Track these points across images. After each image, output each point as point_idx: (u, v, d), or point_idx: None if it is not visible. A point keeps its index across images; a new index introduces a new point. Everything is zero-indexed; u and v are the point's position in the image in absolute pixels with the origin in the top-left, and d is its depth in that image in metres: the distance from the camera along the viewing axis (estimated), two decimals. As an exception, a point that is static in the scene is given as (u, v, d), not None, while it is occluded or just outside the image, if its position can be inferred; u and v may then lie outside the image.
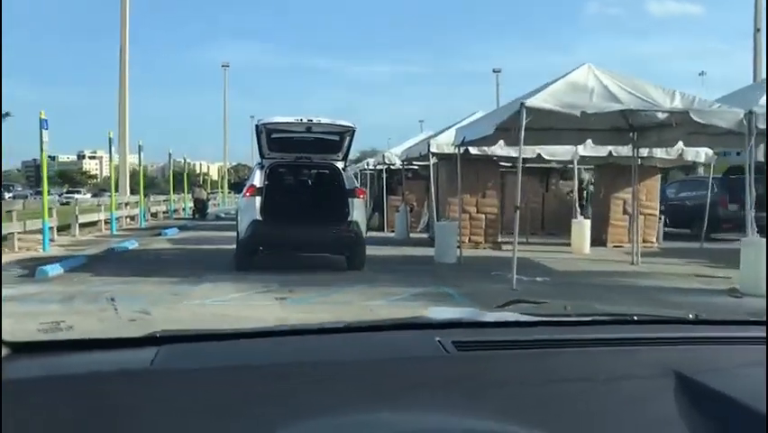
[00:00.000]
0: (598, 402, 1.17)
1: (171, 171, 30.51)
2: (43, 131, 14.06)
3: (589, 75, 10.18)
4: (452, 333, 1.40)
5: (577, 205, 15.90)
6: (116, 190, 23.82)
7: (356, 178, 27.19)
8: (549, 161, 16.31)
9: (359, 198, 11.09)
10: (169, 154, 28.41)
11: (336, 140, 11.30)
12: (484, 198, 15.63)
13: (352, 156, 13.73)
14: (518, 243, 16.93)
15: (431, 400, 1.12)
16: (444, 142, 14.92)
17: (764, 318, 1.68)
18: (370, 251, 14.45)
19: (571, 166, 22.16)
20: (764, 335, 1.45)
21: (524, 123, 9.12)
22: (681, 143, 13.29)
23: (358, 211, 10.89)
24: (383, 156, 21.94)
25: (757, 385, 1.15)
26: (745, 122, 9.25)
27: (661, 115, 9.42)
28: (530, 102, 9.17)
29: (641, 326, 1.63)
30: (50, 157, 19.71)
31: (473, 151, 14.83)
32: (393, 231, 21.22)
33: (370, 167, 26.79)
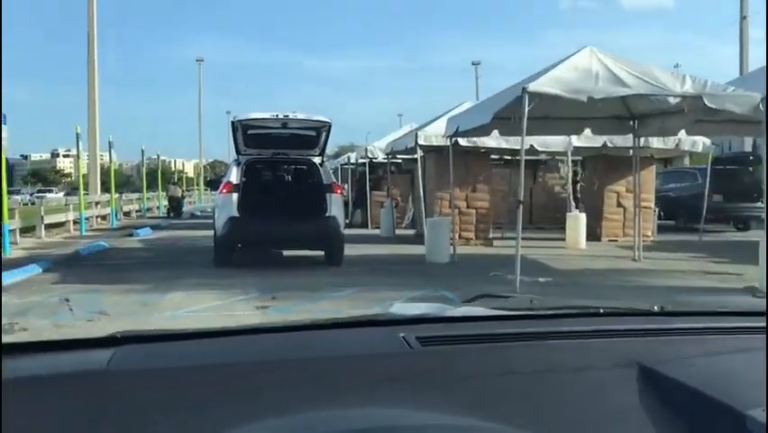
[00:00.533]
0: (562, 394, 1.17)
1: (144, 168, 29.37)
2: (3, 126, 13.50)
3: (592, 58, 9.44)
4: (417, 329, 1.39)
5: (572, 198, 15.12)
6: (86, 189, 22.77)
7: (336, 173, 26.53)
8: (540, 153, 15.51)
9: (336, 193, 11.02)
10: (142, 150, 27.36)
11: (313, 135, 11.23)
12: (474, 192, 14.87)
13: (329, 151, 14.21)
14: (509, 238, 16.37)
15: (395, 395, 1.12)
16: (433, 134, 14.13)
17: (729, 310, 1.76)
18: (356, 250, 13.74)
19: (560, 158, 21.64)
20: (733, 325, 1.51)
21: (526, 110, 8.35)
22: (682, 132, 12.64)
23: (336, 206, 10.83)
24: (365, 150, 21.10)
25: (719, 375, 1.22)
26: (762, 107, 8.56)
27: (672, 100, 8.67)
28: (533, 87, 8.40)
29: (606, 318, 1.61)
30: (22, 156, 18.69)
31: (463, 142, 14.10)
32: (377, 228, 20.47)
33: (352, 161, 25.97)
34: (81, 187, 19.33)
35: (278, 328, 1.52)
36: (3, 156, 13.79)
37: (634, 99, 10.38)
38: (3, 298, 8.04)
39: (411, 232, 18.15)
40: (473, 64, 59.23)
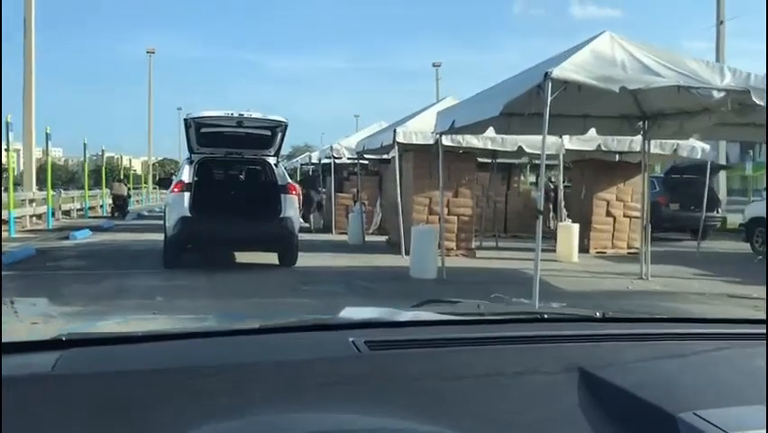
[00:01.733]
0: (505, 398, 1.19)
1: (86, 163, 27.07)
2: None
3: (614, 45, 8.08)
4: (365, 333, 1.39)
5: (563, 206, 13.77)
6: (17, 184, 20.60)
7: (295, 174, 24.75)
8: (530, 155, 14.13)
9: (291, 194, 10.84)
10: (84, 144, 25.06)
11: (268, 135, 11.05)
12: (456, 196, 13.40)
13: (283, 152, 13.30)
14: (489, 248, 14.99)
15: (343, 399, 1.13)
16: (414, 131, 12.61)
17: (666, 317, 1.95)
18: (325, 260, 12.20)
19: (540, 162, 20.44)
20: (668, 332, 1.55)
21: (549, 99, 6.89)
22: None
23: (290, 207, 10.67)
24: (330, 148, 19.46)
25: (654, 379, 1.24)
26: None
27: (717, 95, 7.33)
28: (559, 72, 6.94)
29: (549, 324, 1.64)
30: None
31: (446, 142, 12.62)
32: (342, 233, 18.90)
33: (314, 161, 24.33)
34: (11, 182, 17.07)
35: (228, 332, 1.52)
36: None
37: (648, 96, 9.10)
38: None
39: (381, 239, 16.63)
40: (434, 65, 57.87)
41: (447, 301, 2.15)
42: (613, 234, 14.89)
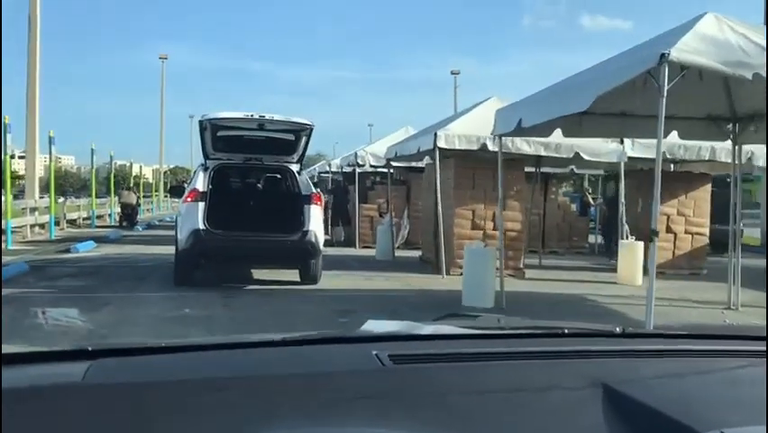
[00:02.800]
0: (528, 413, 1.18)
1: (93, 170, 25.65)
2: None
3: (722, 27, 6.56)
4: (388, 346, 1.38)
5: (624, 220, 12.19)
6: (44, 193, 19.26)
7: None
8: (588, 163, 12.57)
9: (316, 204, 9.76)
10: (92, 150, 23.63)
11: (291, 139, 10.11)
12: (504, 209, 11.83)
13: None
14: (533, 267, 13.45)
15: (366, 413, 1.13)
16: (458, 134, 11.12)
17: (687, 333, 1.79)
18: (356, 280, 10.78)
19: (586, 172, 18.85)
20: (689, 348, 1.52)
21: (666, 87, 5.39)
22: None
23: (314, 220, 9.62)
24: (355, 155, 17.98)
25: (679, 396, 1.22)
26: None
27: None
28: (677, 55, 5.43)
29: (570, 339, 1.62)
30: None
31: (492, 147, 11.14)
32: (366, 247, 17.45)
33: (333, 169, 22.87)
34: (9, 189, 15.59)
35: (253, 344, 1.52)
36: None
37: (745, 92, 7.62)
38: None
39: (411, 254, 15.14)
40: (452, 73, 56.60)
41: (468, 315, 2.15)
42: (673, 252, 13.33)
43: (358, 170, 18.19)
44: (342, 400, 1.15)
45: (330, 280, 10.31)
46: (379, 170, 20.37)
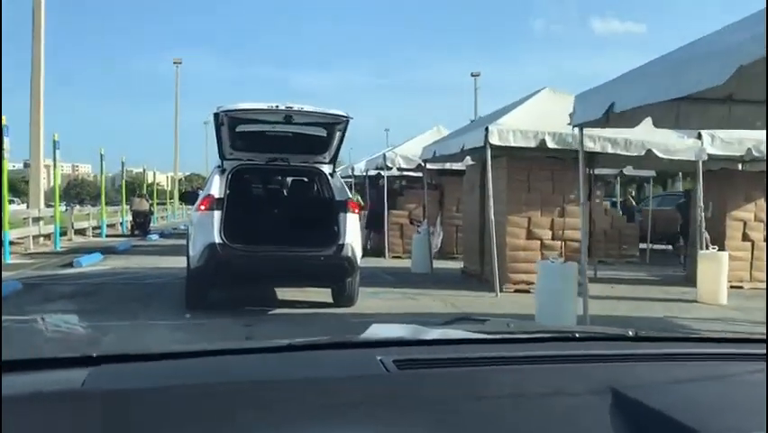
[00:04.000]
0: (536, 419, 1.16)
1: (103, 176, 24.31)
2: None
3: None
4: (393, 351, 1.36)
5: (703, 228, 10.60)
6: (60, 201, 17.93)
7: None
8: (662, 161, 10.97)
9: (353, 212, 8.39)
10: (101, 155, 22.26)
11: (323, 135, 8.53)
12: (563, 216, 10.35)
13: None
14: (590, 280, 11.90)
15: (370, 419, 1.11)
16: (515, 128, 9.59)
17: (701, 336, 1.86)
18: (395, 300, 9.54)
19: (634, 175, 17.24)
20: (703, 352, 1.50)
21: None
22: None
23: (351, 231, 8.25)
24: (383, 157, 16.51)
25: (691, 402, 1.20)
26: None
27: None
28: None
29: (581, 343, 1.60)
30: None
31: (552, 143, 9.64)
32: (396, 257, 16.00)
33: (356, 173, 21.40)
34: (5, 195, 14.08)
35: (256, 350, 1.49)
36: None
37: None
38: None
39: (448, 266, 13.64)
40: (472, 75, 54.86)
41: (476, 319, 2.08)
42: (751, 264, 11.73)
43: (386, 173, 16.73)
44: (346, 406, 1.13)
45: (367, 301, 8.86)
46: (406, 173, 19.02)
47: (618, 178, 19.63)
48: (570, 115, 7.05)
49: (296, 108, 7.90)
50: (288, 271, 8.16)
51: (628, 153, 9.83)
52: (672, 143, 10.03)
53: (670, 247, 18.61)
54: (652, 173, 17.58)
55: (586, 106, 6.63)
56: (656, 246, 18.28)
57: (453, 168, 15.83)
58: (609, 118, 6.68)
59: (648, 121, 6.95)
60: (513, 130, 9.57)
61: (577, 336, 1.64)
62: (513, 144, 9.62)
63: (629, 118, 6.75)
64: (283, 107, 7.87)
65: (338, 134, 8.54)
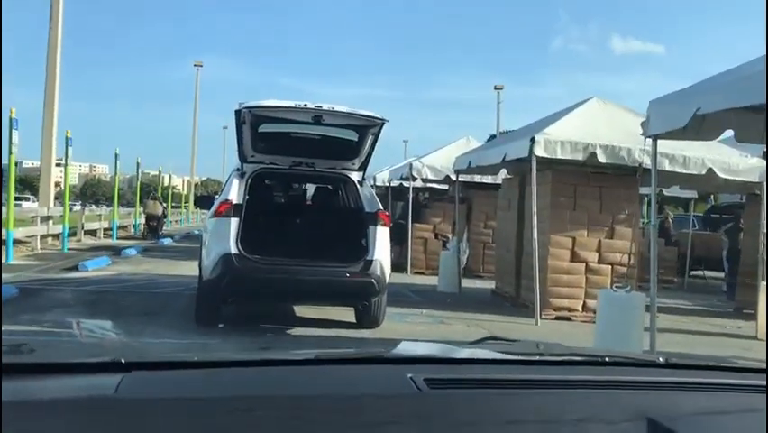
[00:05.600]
0: None
1: (117, 177, 23.70)
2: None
3: None
4: (423, 369, 1.35)
5: (765, 256, 9.63)
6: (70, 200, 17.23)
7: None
8: (714, 181, 10.03)
9: (383, 225, 7.66)
10: (116, 154, 21.49)
11: (353, 139, 7.86)
12: (612, 237, 9.42)
13: None
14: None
15: None
16: (563, 139, 8.71)
17: (737, 365, 1.75)
18: (426, 325, 8.48)
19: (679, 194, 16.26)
20: (740, 382, 1.45)
21: None
22: None
23: (381, 245, 7.52)
24: (410, 167, 15.66)
25: (729, 432, 1.21)
26: None
27: None
28: None
29: (611, 367, 1.56)
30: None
31: (605, 157, 8.77)
32: (419, 273, 15.16)
33: (378, 183, 20.54)
34: (11, 193, 13.31)
35: (286, 362, 1.49)
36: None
37: None
38: None
39: (479, 286, 12.78)
40: (496, 89, 53.90)
41: (505, 339, 2.00)
42: (812, 297, 10.71)
43: (411, 184, 15.89)
44: (376, 425, 1.12)
45: (395, 325, 8.04)
46: (429, 185, 18.18)
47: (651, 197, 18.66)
48: (642, 124, 6.16)
49: (326, 108, 7.23)
50: (310, 288, 7.41)
51: (687, 171, 8.92)
52: (735, 162, 9.11)
53: (704, 272, 17.65)
54: (693, 194, 16.55)
55: (664, 114, 5.74)
56: (693, 272, 17.29)
57: (483, 181, 15.04)
58: (687, 128, 5.81)
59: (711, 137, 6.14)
60: (561, 141, 8.69)
61: (607, 360, 1.60)
62: (560, 157, 8.74)
63: (709, 129, 5.87)
64: (312, 106, 7.21)
65: (370, 138, 7.84)
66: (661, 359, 1.62)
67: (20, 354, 1.32)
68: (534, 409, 1.23)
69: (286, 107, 7.33)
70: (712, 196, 22.04)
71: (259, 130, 7.66)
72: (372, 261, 7.38)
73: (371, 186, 20.72)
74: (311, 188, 9.95)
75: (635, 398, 1.30)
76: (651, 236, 6.69)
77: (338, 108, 7.28)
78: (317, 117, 7.34)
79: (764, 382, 1.39)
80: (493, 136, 34.10)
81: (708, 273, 17.44)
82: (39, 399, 1.08)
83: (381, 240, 7.54)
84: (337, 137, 7.89)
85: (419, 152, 17.86)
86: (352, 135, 7.84)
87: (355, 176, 8.13)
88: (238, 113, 7.32)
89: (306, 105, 7.24)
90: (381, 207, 8.08)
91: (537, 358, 1.67)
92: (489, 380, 1.34)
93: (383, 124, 7.49)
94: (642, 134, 6.18)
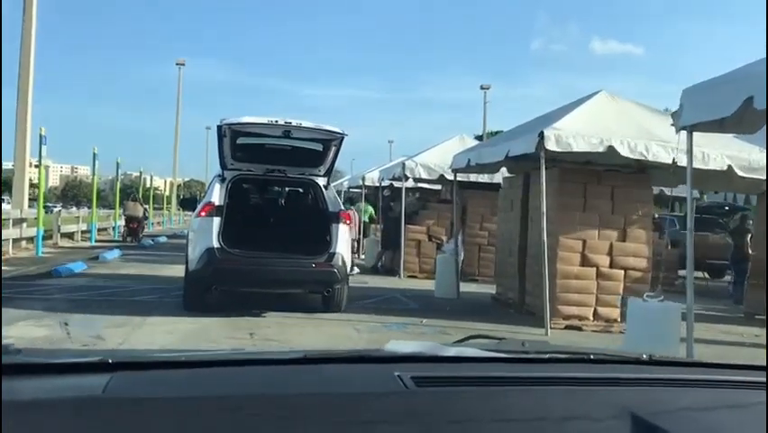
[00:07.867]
0: None
1: (95, 177, 22.59)
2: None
3: None
4: (410, 367, 1.35)
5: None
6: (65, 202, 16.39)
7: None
8: (730, 181, 9.46)
9: (344, 223, 9.05)
10: (94, 154, 20.63)
11: (319, 150, 9.36)
12: (624, 240, 8.81)
13: None
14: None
15: None
16: (576, 133, 8.09)
17: (719, 362, 1.68)
18: (423, 335, 7.75)
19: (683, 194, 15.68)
20: (724, 379, 1.46)
21: None
22: None
23: (342, 241, 8.89)
24: (402, 166, 14.98)
25: (712, 430, 1.19)
26: None
27: None
28: None
29: (596, 365, 1.57)
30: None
31: (626, 152, 8.19)
32: (412, 276, 14.53)
33: (367, 183, 19.84)
34: None
35: (273, 361, 1.50)
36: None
37: None
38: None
39: (477, 290, 12.16)
40: (482, 88, 53.78)
41: (491, 337, 2.01)
42: None
43: (404, 184, 15.22)
44: (364, 423, 1.12)
45: (395, 335, 7.44)
46: (420, 185, 17.54)
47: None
48: (672, 115, 5.54)
49: (294, 124, 8.47)
50: (281, 277, 8.61)
51: (706, 168, 8.33)
52: (756, 159, 8.54)
53: (702, 275, 17.16)
54: (695, 193, 16.00)
55: (703, 103, 5.12)
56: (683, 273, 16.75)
57: (479, 180, 14.44)
58: (725, 119, 5.21)
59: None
60: (575, 135, 8.07)
61: (592, 357, 1.58)
62: (575, 150, 8.10)
63: (753, 120, 5.26)
64: (282, 122, 8.43)
65: (333, 149, 9.19)
66: (645, 356, 1.60)
67: (6, 354, 1.28)
68: (519, 407, 1.24)
69: (260, 123, 8.52)
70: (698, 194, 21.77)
71: (237, 142, 8.92)
72: (335, 253, 8.62)
73: (362, 186, 20.23)
74: (283, 192, 11.22)
75: (620, 394, 1.30)
76: (687, 242, 6.06)
77: (305, 124, 8.56)
78: (287, 132, 8.60)
79: (758, 379, 1.40)
80: (479, 137, 33.41)
81: (696, 274, 16.93)
82: (26, 399, 1.07)
83: (342, 236, 8.82)
84: (305, 148, 9.20)
85: (405, 152, 17.27)
86: (318, 147, 9.19)
87: (321, 181, 9.45)
88: (219, 128, 8.57)
89: (277, 121, 8.45)
90: (343, 208, 9.63)
91: (523, 356, 1.67)
92: (476, 377, 1.35)
93: (343, 138, 8.85)
94: (673, 125, 5.55)
